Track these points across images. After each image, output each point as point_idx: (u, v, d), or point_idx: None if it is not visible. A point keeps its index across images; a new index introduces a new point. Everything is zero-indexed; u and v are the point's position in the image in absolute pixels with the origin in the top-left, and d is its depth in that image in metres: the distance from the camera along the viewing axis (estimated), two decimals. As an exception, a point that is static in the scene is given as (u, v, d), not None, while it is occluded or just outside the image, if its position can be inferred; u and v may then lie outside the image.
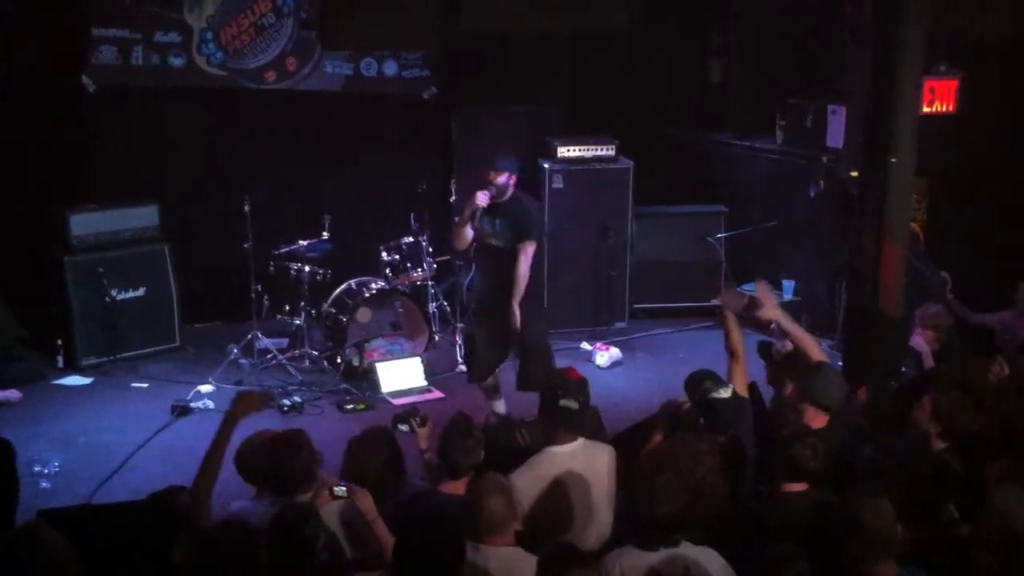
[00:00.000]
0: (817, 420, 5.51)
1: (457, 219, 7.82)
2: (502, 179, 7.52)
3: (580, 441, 5.33)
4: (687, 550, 4.34)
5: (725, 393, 5.52)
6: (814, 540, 4.32)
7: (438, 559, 4.14)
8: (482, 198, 7.51)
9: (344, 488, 4.87)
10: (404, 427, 5.62)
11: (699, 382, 5.60)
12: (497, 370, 7.85)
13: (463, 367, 9.34)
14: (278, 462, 5.02)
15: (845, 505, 4.32)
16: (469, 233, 7.62)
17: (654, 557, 4.30)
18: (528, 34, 10.78)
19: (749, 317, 6.28)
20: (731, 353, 5.87)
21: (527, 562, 4.49)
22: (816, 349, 6.11)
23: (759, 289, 6.49)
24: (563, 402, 5.29)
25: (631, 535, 4.42)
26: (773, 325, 6.37)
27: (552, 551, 4.19)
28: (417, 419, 5.70)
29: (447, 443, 5.17)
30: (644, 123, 11.17)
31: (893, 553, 4.20)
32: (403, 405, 8.58)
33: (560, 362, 8.34)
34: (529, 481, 5.13)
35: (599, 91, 11.23)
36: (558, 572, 4.00)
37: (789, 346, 6.23)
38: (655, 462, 4.76)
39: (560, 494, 5.14)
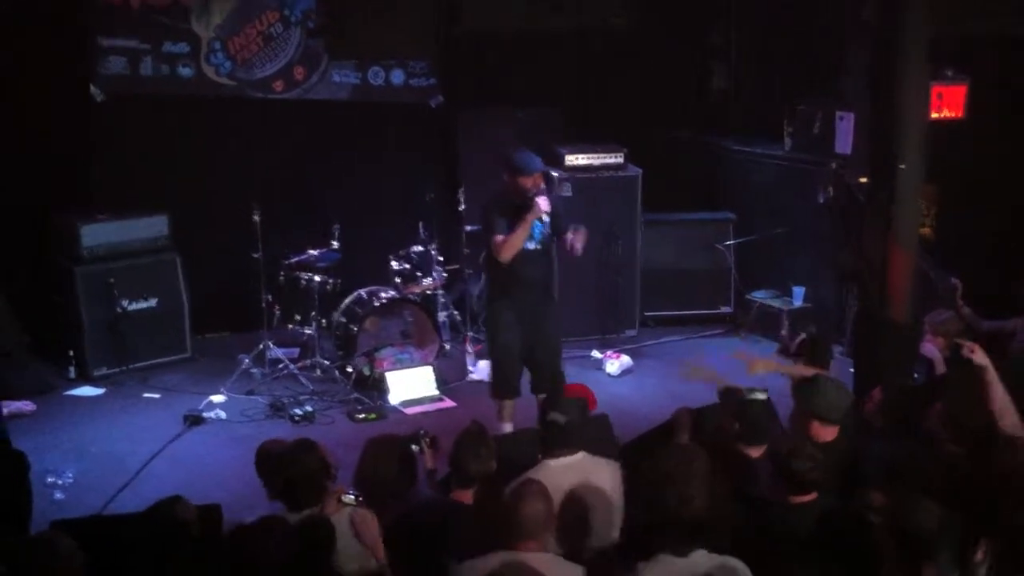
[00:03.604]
0: (825, 433, 5.49)
1: (502, 237, 7.37)
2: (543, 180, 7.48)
3: (580, 455, 5.30)
4: (711, 559, 4.34)
5: (761, 395, 5.55)
6: (827, 546, 4.32)
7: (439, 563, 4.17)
8: (546, 204, 7.35)
9: (352, 496, 4.89)
10: (415, 447, 5.61)
11: (732, 390, 5.65)
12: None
13: (474, 376, 9.41)
14: (284, 476, 5.04)
15: (894, 509, 4.29)
16: (522, 243, 7.39)
17: (685, 563, 4.30)
18: (530, 38, 10.79)
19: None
20: None
21: (559, 566, 4.50)
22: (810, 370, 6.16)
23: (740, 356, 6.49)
24: (551, 415, 5.29)
25: (656, 543, 4.40)
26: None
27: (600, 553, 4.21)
28: (427, 440, 5.70)
29: (460, 450, 5.18)
30: (648, 128, 11.16)
31: (941, 555, 4.20)
32: (415, 414, 8.62)
33: (571, 370, 8.40)
34: None
35: (603, 97, 11.24)
36: None
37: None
38: (662, 468, 4.78)
39: (556, 506, 5.13)
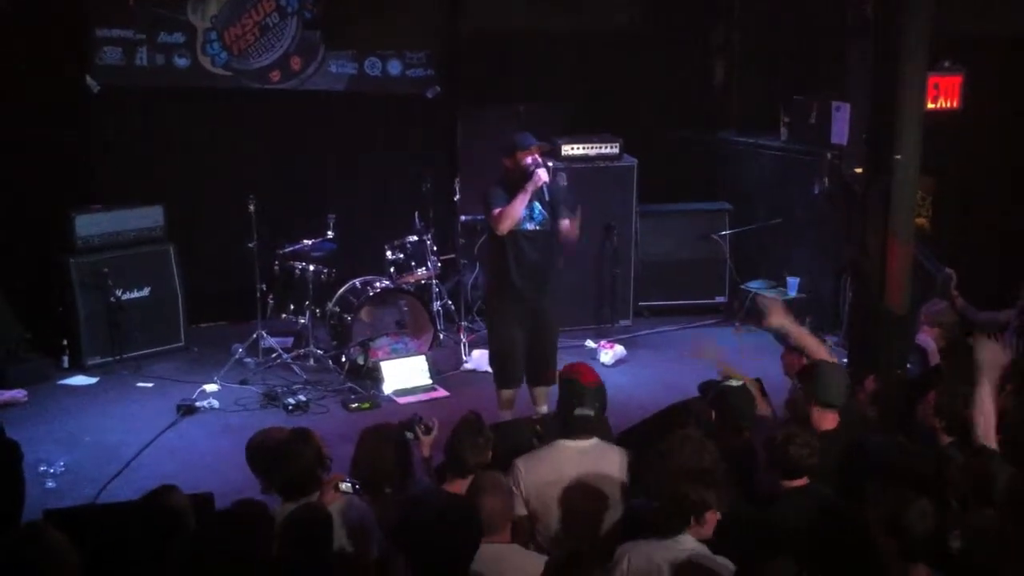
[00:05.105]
0: (826, 421, 5.51)
1: (499, 209, 7.29)
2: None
3: (594, 440, 5.32)
4: (692, 543, 4.36)
5: (736, 382, 5.57)
6: (820, 536, 4.32)
7: (451, 558, 4.15)
8: (546, 175, 7.29)
9: (350, 484, 4.89)
10: (409, 434, 5.60)
11: (711, 382, 5.68)
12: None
13: (468, 366, 9.41)
14: (280, 467, 5.04)
15: (886, 505, 4.29)
16: (521, 213, 7.33)
17: (660, 546, 4.32)
18: (531, 33, 10.78)
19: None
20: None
21: (522, 559, 4.50)
22: (824, 352, 6.13)
23: (767, 302, 6.49)
24: (579, 411, 5.30)
25: (644, 526, 4.42)
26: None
27: (559, 555, 4.20)
28: (422, 426, 5.68)
29: (457, 440, 5.17)
30: (647, 122, 11.16)
31: (931, 555, 4.20)
32: (409, 404, 8.61)
33: (565, 360, 8.37)
34: (534, 469, 5.15)
35: (602, 90, 11.23)
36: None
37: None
38: (664, 452, 4.80)
39: (566, 489, 5.14)
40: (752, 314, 10.42)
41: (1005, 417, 5.41)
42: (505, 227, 7.30)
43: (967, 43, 9.24)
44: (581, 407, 5.29)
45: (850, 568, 4.22)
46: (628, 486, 5.24)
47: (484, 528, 4.47)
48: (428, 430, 5.69)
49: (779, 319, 6.32)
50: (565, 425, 5.36)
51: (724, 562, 4.36)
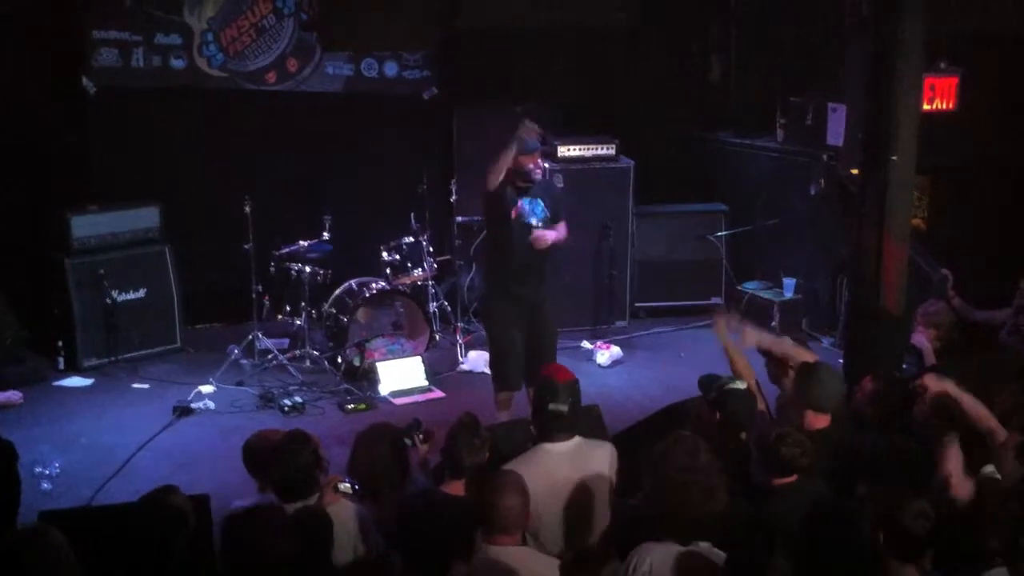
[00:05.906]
0: (818, 421, 5.50)
1: (493, 165, 7.37)
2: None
3: (576, 440, 5.29)
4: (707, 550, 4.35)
5: (740, 385, 5.55)
6: (812, 531, 4.31)
7: (444, 557, 4.14)
8: (539, 177, 7.58)
9: (349, 485, 4.88)
10: (407, 441, 5.58)
11: (712, 378, 5.64)
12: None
13: (464, 367, 9.40)
14: (278, 466, 5.03)
15: (883, 504, 4.29)
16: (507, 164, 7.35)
17: (682, 550, 4.30)
18: (528, 32, 10.78)
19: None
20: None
21: (534, 561, 4.48)
22: (807, 355, 6.10)
23: (737, 326, 6.38)
24: (552, 407, 5.23)
25: (661, 531, 4.39)
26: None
27: (569, 555, 4.18)
28: (420, 434, 5.66)
29: (454, 441, 5.15)
30: (644, 121, 11.15)
31: (927, 555, 4.20)
32: (405, 405, 8.60)
33: (561, 361, 8.37)
34: (524, 474, 5.10)
35: (599, 90, 11.23)
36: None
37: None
38: (666, 457, 4.78)
39: (554, 494, 5.12)
40: (748, 315, 10.44)
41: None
42: (491, 181, 7.34)
43: (963, 43, 9.24)
44: (554, 402, 5.22)
45: (843, 564, 4.20)
46: (616, 483, 5.23)
47: (499, 528, 4.45)
48: (427, 438, 5.67)
49: (754, 338, 6.25)
50: (540, 424, 5.31)
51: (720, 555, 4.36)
